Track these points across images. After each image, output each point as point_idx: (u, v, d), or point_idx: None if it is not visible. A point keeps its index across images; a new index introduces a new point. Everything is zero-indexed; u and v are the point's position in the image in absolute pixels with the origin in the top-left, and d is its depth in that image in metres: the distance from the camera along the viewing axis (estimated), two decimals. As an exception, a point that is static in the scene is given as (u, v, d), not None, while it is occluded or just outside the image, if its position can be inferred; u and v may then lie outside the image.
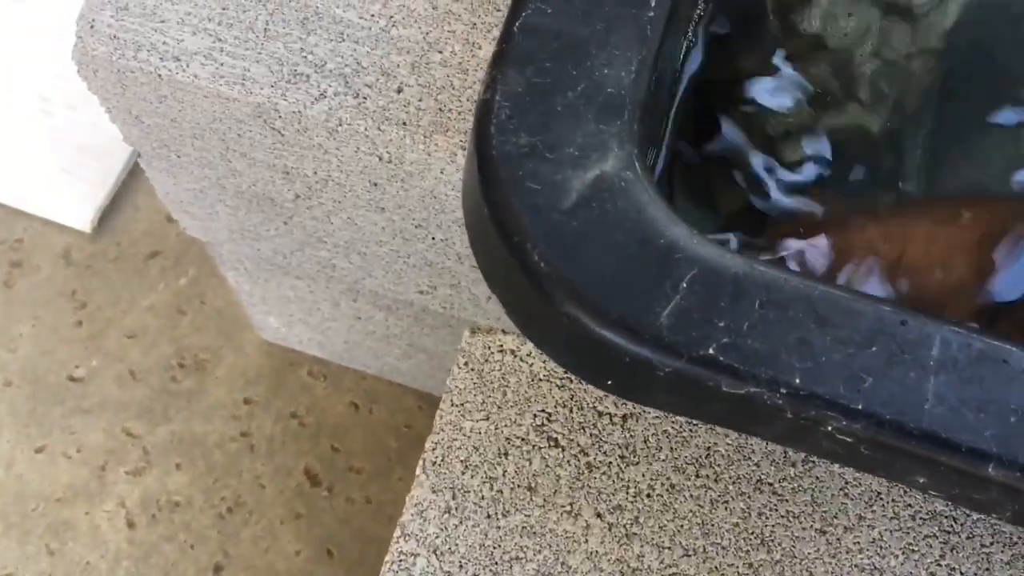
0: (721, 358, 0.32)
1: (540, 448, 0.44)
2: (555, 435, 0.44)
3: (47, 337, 0.95)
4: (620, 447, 0.44)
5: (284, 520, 0.89)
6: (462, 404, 0.45)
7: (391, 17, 0.53)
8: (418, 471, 0.44)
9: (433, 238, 0.59)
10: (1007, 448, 0.31)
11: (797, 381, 0.31)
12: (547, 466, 0.44)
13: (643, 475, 0.44)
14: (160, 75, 0.52)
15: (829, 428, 0.31)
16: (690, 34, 0.43)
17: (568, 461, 0.44)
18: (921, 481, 0.33)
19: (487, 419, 0.45)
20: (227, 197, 0.63)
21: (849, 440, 0.32)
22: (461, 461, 0.44)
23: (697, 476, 0.44)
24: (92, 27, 0.53)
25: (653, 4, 0.37)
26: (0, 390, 0.93)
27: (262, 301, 0.84)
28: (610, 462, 0.44)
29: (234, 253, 0.75)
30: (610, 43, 0.36)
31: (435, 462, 0.43)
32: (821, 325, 0.32)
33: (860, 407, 0.31)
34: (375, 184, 0.55)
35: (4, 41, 1.05)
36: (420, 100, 0.52)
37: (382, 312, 0.77)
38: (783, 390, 0.31)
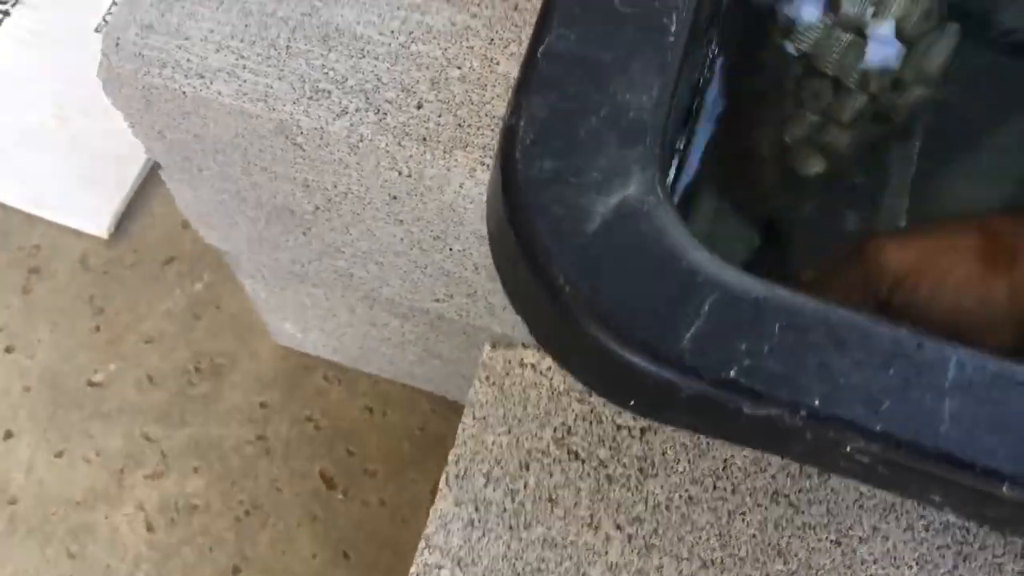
0: (742, 381, 0.32)
1: (561, 461, 0.45)
2: (575, 448, 0.45)
3: (66, 342, 0.96)
4: (639, 460, 0.45)
5: (300, 523, 0.90)
6: (484, 418, 0.46)
7: (410, 33, 0.54)
8: (441, 484, 0.45)
9: (451, 249, 0.60)
10: (1021, 468, 0.32)
11: (816, 403, 0.32)
12: (568, 479, 0.45)
13: (662, 487, 0.45)
14: (184, 92, 0.53)
15: (848, 449, 0.32)
16: (708, 59, 0.44)
17: (588, 474, 0.45)
18: (937, 499, 0.33)
19: (509, 432, 0.46)
20: (247, 209, 0.64)
21: (867, 460, 0.32)
22: (483, 474, 0.45)
23: (715, 488, 0.45)
24: (118, 45, 0.54)
25: (673, 29, 0.38)
26: (20, 395, 0.94)
27: (278, 308, 0.85)
28: (629, 475, 0.45)
29: (252, 262, 0.76)
30: (631, 68, 0.37)
31: (458, 475, 0.44)
32: (840, 348, 0.33)
33: (878, 428, 0.32)
34: (394, 197, 0.56)
35: (19, 50, 1.06)
36: (440, 116, 0.52)
37: (398, 319, 0.78)
38: (803, 412, 0.32)
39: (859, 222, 0.61)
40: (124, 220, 1.00)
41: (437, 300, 0.67)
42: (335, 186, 0.57)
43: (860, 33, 0.56)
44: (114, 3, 1.04)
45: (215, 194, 0.64)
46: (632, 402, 0.35)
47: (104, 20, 1.03)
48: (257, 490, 0.91)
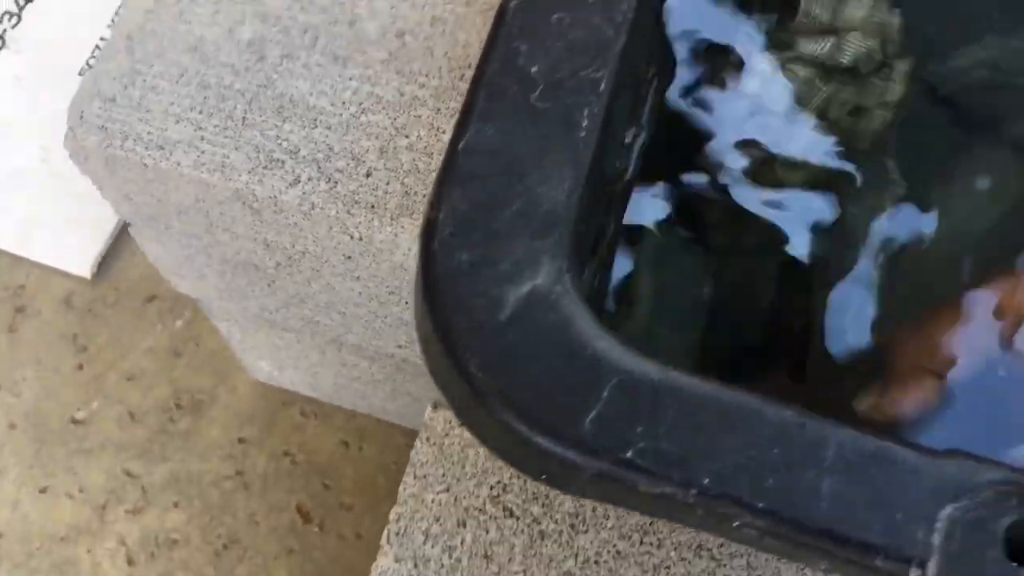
0: (638, 461, 0.35)
1: (496, 518, 0.48)
2: (510, 505, 0.48)
3: (50, 380, 0.99)
4: (571, 516, 0.48)
5: (277, 556, 0.92)
6: (424, 476, 0.49)
7: (361, 104, 0.57)
8: (383, 541, 0.47)
9: (406, 302, 0.62)
10: (893, 541, 0.34)
11: (706, 482, 0.35)
12: (502, 535, 0.47)
13: (591, 542, 0.47)
14: (146, 163, 0.56)
15: (736, 523, 0.35)
16: (630, 145, 0.46)
17: (522, 530, 0.47)
18: (823, 567, 0.36)
19: (447, 491, 0.48)
20: (213, 263, 0.67)
21: (755, 533, 0.35)
22: (422, 531, 0.47)
23: (641, 543, 0.48)
24: (82, 117, 0.57)
25: (584, 124, 0.40)
26: (5, 433, 0.97)
27: (253, 348, 0.88)
28: (561, 530, 0.47)
29: (223, 308, 0.78)
30: (545, 163, 0.40)
31: (398, 532, 0.47)
32: (730, 429, 0.36)
33: (762, 506, 0.34)
34: (349, 257, 0.59)
35: (5, 92, 1.09)
36: (388, 183, 0.55)
37: (366, 361, 0.80)
38: (694, 490, 0.35)
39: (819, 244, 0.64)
40: (106, 260, 1.02)
41: (400, 346, 0.69)
42: (293, 246, 0.60)
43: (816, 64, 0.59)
44: (97, 47, 1.07)
45: (182, 249, 0.66)
46: (544, 476, 0.38)
47: (87, 64, 1.06)
48: (235, 524, 0.93)
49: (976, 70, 0.64)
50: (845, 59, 0.62)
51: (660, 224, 0.60)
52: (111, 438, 0.97)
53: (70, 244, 1.03)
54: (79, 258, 1.02)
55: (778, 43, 0.61)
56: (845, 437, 0.35)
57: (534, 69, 0.41)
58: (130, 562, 0.92)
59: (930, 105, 0.65)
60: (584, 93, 0.41)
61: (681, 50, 0.57)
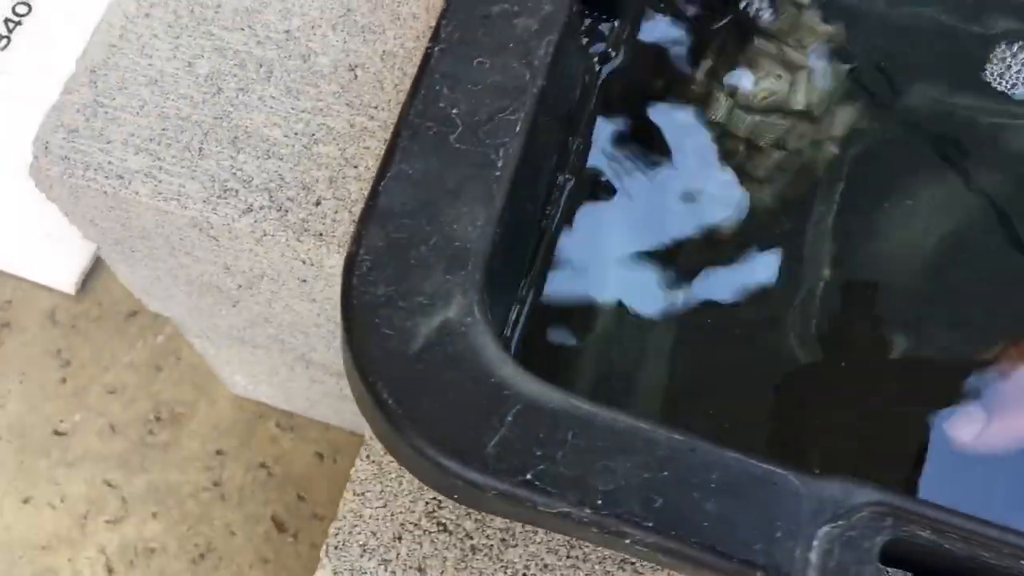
0: (537, 483, 0.38)
1: (430, 532, 0.50)
2: (444, 520, 0.50)
3: (34, 393, 1.02)
4: (501, 531, 0.50)
5: (253, 565, 0.95)
6: (363, 493, 0.51)
7: (312, 135, 0.60)
8: (321, 554, 0.50)
9: (362, 323, 0.65)
10: (772, 559, 0.37)
11: (600, 502, 0.37)
12: (436, 549, 0.50)
13: (520, 556, 0.50)
14: (106, 192, 0.59)
15: (628, 540, 0.37)
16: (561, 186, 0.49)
17: (455, 544, 0.50)
18: (714, 582, 0.38)
19: (384, 507, 0.51)
20: (180, 284, 0.70)
21: (647, 549, 0.38)
22: (360, 545, 0.50)
23: (568, 557, 0.50)
24: (46, 148, 0.60)
25: (500, 164, 0.43)
26: (-11, 445, 1.00)
27: (227, 363, 0.90)
28: (492, 545, 0.50)
29: (195, 326, 0.81)
30: (460, 201, 0.42)
31: (336, 546, 0.49)
32: (624, 452, 0.38)
33: (652, 525, 0.37)
34: (304, 280, 0.62)
35: (-6, 112, 1.12)
36: (336, 212, 0.58)
37: (333, 377, 0.83)
38: (588, 510, 0.37)
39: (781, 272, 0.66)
40: (90, 277, 1.05)
41: (361, 364, 0.72)
42: (251, 269, 0.63)
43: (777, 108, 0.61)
44: (82, 68, 1.10)
45: (148, 271, 0.69)
46: (455, 496, 0.40)
47: (72, 84, 1.09)
48: (212, 534, 0.96)
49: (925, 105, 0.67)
50: (797, 104, 0.65)
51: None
52: (92, 450, 0.99)
53: (54, 261, 1.05)
54: (63, 275, 1.05)
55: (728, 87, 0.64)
56: (732, 461, 0.38)
57: (455, 111, 0.44)
58: (110, 571, 0.94)
59: (883, 136, 0.67)
60: (501, 134, 0.43)
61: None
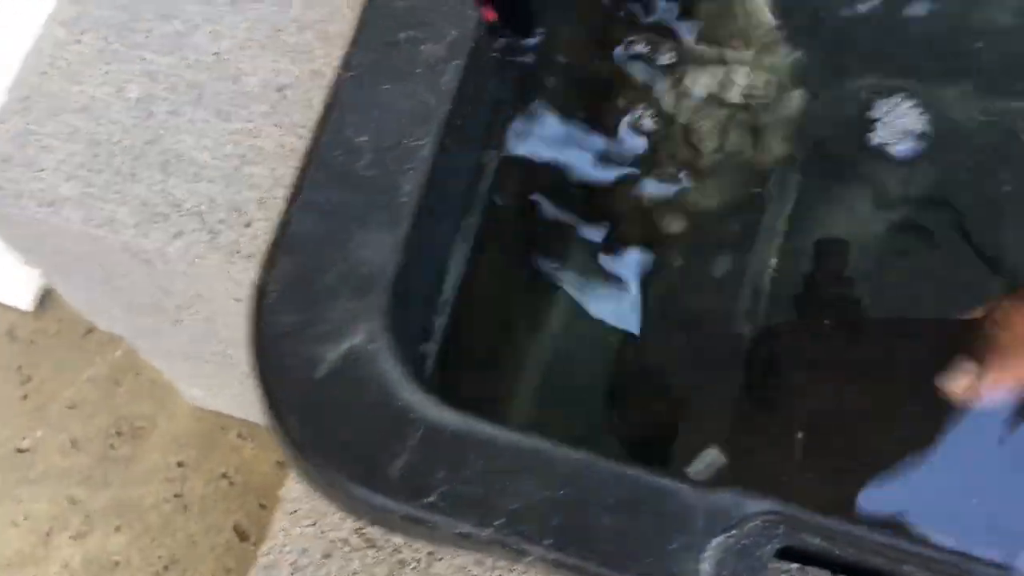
0: (440, 504, 0.39)
1: (359, 549, 0.51)
2: (373, 537, 0.51)
3: (-5, 411, 1.02)
4: (429, 545, 0.51)
5: (215, 574, 0.96)
6: (294, 512, 0.52)
7: (243, 156, 0.60)
8: (252, 573, 0.51)
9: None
10: (666, 571, 0.38)
11: (499, 522, 0.38)
12: (364, 564, 0.51)
13: (447, 568, 0.51)
14: (38, 219, 0.59)
15: (529, 558, 0.38)
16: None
17: (384, 560, 0.51)
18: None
19: (314, 525, 0.52)
20: (119, 306, 0.70)
21: (547, 566, 0.39)
22: (290, 564, 0.51)
23: (494, 568, 0.51)
24: (-22, 178, 0.60)
25: (406, 190, 0.44)
26: (-49, 464, 1.00)
27: (181, 378, 0.91)
28: (419, 558, 0.51)
29: (143, 344, 0.82)
30: (366, 227, 0.43)
31: (267, 565, 0.50)
32: (525, 472, 0.39)
33: (551, 542, 0.38)
34: (238, 300, 0.62)
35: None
36: (266, 233, 0.58)
37: (285, 388, 0.84)
38: (489, 530, 0.38)
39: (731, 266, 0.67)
40: (48, 293, 1.06)
41: (308, 377, 0.73)
42: (187, 291, 0.64)
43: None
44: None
45: (88, 293, 0.70)
46: (365, 519, 0.41)
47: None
48: (175, 545, 0.97)
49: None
50: (733, 96, 0.66)
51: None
52: (55, 466, 1.00)
53: (12, 278, 1.06)
54: (21, 292, 1.06)
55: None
56: (629, 477, 0.39)
57: (362, 139, 0.45)
58: (73, 586, 0.95)
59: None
60: (407, 160, 0.44)
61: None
